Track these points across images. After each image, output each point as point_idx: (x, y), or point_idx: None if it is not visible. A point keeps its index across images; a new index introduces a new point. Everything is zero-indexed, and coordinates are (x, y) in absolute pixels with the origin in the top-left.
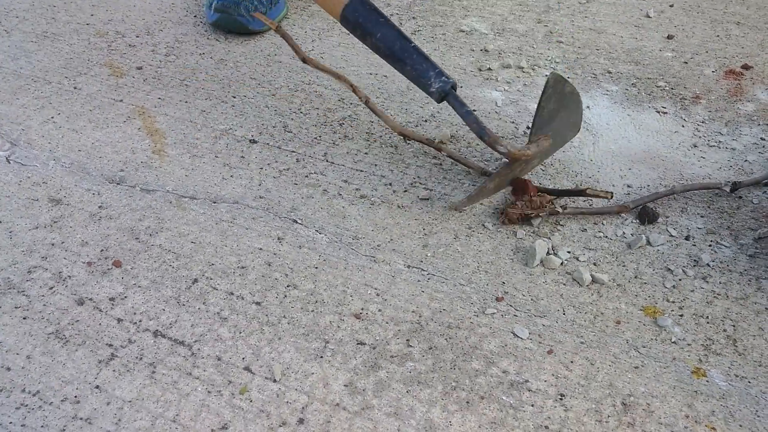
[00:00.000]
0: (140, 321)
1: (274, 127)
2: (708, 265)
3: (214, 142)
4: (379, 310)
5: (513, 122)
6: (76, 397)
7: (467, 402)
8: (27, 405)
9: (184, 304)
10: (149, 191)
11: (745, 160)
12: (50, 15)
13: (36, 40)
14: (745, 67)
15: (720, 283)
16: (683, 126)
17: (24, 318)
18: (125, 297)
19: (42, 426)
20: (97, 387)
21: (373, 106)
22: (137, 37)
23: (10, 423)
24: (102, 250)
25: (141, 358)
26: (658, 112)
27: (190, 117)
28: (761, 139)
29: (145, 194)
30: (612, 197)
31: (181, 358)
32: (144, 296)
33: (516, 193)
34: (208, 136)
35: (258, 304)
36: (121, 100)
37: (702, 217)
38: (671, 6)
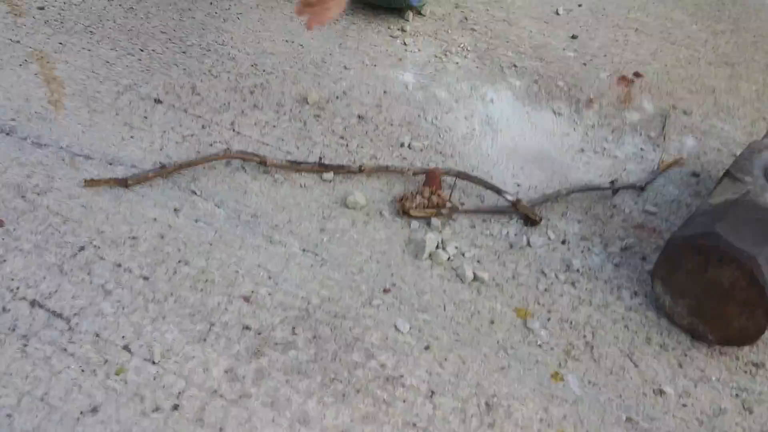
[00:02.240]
0: (17, 288)
1: (181, 87)
2: (578, 270)
3: (116, 98)
4: (269, 294)
5: (421, 108)
6: None
7: (343, 395)
8: None
9: (66, 273)
10: (41, 146)
11: (624, 169)
12: None
13: None
14: (637, 74)
15: (586, 289)
16: (574, 129)
17: None
18: (4, 261)
19: None
20: None
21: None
22: None
23: None
24: None
25: (14, 330)
26: (554, 112)
27: (92, 67)
28: (641, 149)
29: (36, 148)
30: (540, 221)
31: (57, 332)
32: (25, 261)
33: (425, 183)
34: (110, 90)
35: (146, 278)
36: (18, 42)
37: (579, 222)
38: (579, 6)
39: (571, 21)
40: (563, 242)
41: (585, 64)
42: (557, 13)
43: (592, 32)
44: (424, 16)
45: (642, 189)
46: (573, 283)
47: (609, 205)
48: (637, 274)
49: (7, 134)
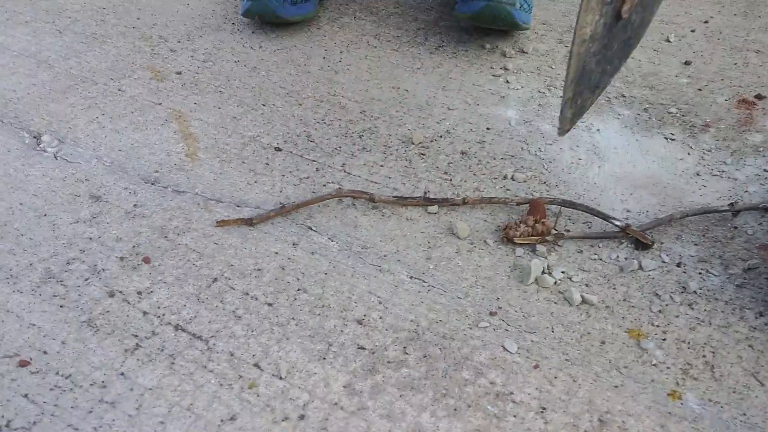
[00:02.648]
0: (163, 315)
1: (298, 136)
2: (695, 292)
3: (242, 148)
4: (380, 318)
5: (525, 142)
6: (103, 382)
7: (455, 409)
8: (60, 387)
9: (203, 301)
10: (180, 192)
11: (746, 191)
12: (99, 17)
13: (86, 41)
14: (759, 96)
15: (705, 310)
16: (689, 154)
17: (61, 306)
18: (151, 291)
19: (72, 407)
20: (122, 374)
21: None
22: (178, 42)
23: (44, 402)
24: (134, 246)
25: (162, 350)
26: (666, 138)
27: (222, 122)
28: (764, 170)
29: (176, 195)
30: (653, 245)
31: (198, 352)
32: (168, 292)
33: (529, 212)
34: (237, 142)
35: (270, 305)
36: (160, 104)
37: (695, 245)
38: (693, 31)
39: (683, 47)
40: (678, 265)
41: (700, 90)
42: (668, 41)
43: (707, 57)
44: (527, 53)
45: (767, 210)
46: (690, 305)
47: (729, 227)
48: (762, 295)
49: (152, 184)
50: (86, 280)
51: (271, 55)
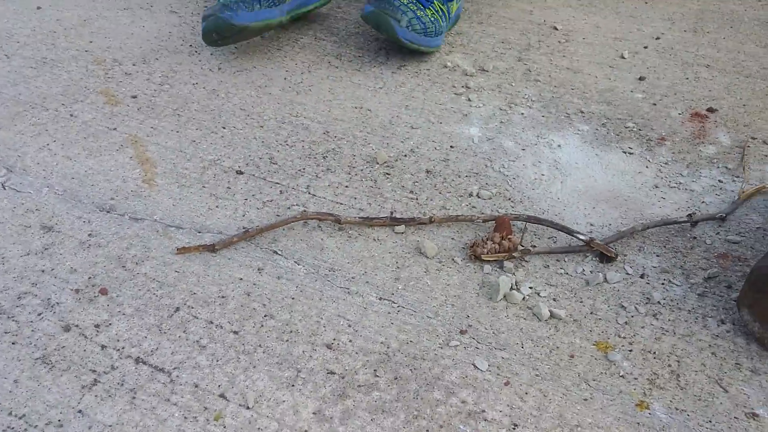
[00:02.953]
0: (123, 348)
1: (260, 158)
2: (659, 302)
3: (203, 173)
4: (350, 341)
5: (488, 159)
6: (59, 420)
7: (427, 431)
8: (13, 428)
9: (165, 332)
10: (137, 220)
11: (702, 202)
12: (50, 41)
13: (35, 66)
14: (710, 110)
15: (669, 320)
16: (647, 167)
17: (13, 343)
18: (110, 324)
19: None
20: (80, 411)
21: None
22: (133, 65)
23: None
24: (90, 278)
25: (122, 384)
26: (625, 152)
27: (180, 147)
28: (719, 181)
29: (133, 223)
30: (617, 257)
31: (160, 385)
32: (128, 323)
33: (496, 229)
34: (196, 166)
35: (236, 333)
36: (115, 129)
37: (657, 256)
38: (645, 47)
39: (637, 63)
40: (642, 276)
41: (655, 104)
42: (623, 57)
43: (660, 72)
44: (487, 71)
45: (723, 219)
46: (655, 315)
47: (689, 238)
48: (723, 303)
49: (108, 212)
50: (39, 314)
51: (231, 77)
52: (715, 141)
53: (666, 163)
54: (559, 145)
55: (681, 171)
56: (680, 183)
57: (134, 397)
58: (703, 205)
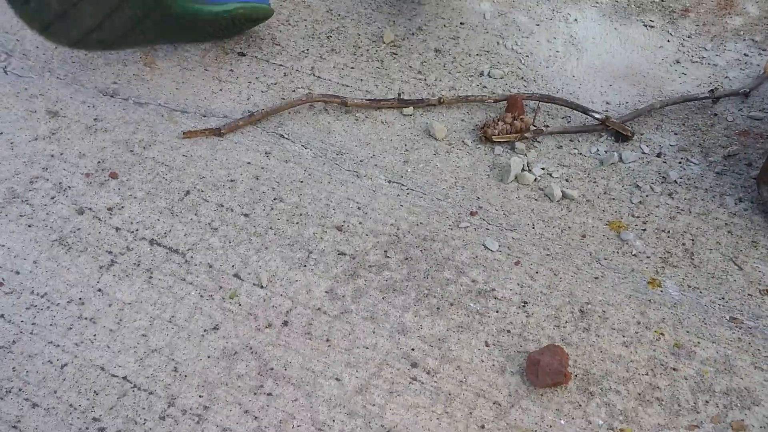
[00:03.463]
0: (137, 230)
1: (262, 39)
2: (675, 181)
3: (204, 55)
4: (360, 223)
5: (500, 36)
6: (80, 299)
7: (437, 308)
8: (36, 305)
9: (177, 215)
10: (141, 104)
11: (726, 77)
12: None
13: None
14: None
15: (685, 199)
16: (668, 41)
17: (29, 226)
18: (122, 207)
19: (50, 324)
20: (100, 290)
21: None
22: None
23: (22, 321)
24: (99, 162)
25: (138, 265)
26: (646, 25)
27: None
28: (744, 55)
29: (138, 107)
30: (633, 136)
31: (175, 265)
32: (140, 207)
33: (507, 109)
34: (197, 47)
35: (246, 215)
36: None
37: (675, 134)
38: None
39: None
40: (659, 155)
41: None
42: None
43: None
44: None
45: (746, 95)
46: (670, 194)
47: (709, 115)
48: (741, 181)
49: (111, 96)
50: (52, 198)
51: None
52: (742, 12)
53: (689, 37)
54: (575, 19)
55: (705, 44)
56: (703, 57)
57: (151, 277)
58: (726, 81)
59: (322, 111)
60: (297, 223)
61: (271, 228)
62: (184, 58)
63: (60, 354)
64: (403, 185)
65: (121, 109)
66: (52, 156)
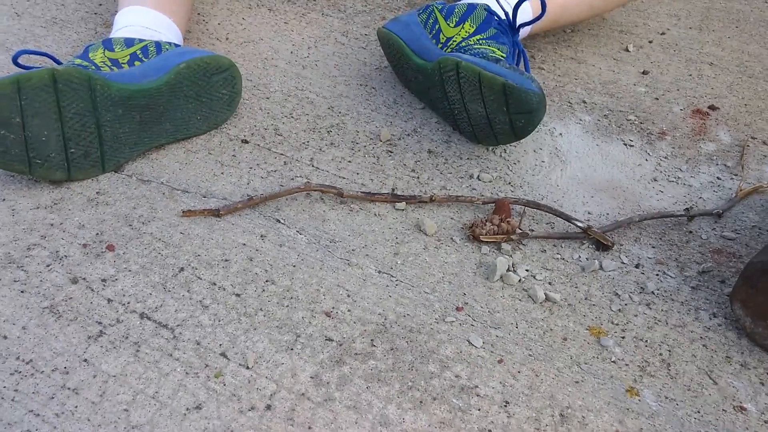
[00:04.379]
0: (128, 303)
1: (265, 129)
2: (653, 292)
3: (209, 139)
4: (349, 311)
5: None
6: (65, 368)
7: (420, 402)
8: (20, 372)
9: (169, 290)
10: (144, 181)
11: (700, 197)
12: (60, 2)
13: (45, 26)
14: (712, 107)
15: (662, 310)
16: (647, 160)
17: (21, 291)
18: (116, 279)
19: (33, 392)
20: (86, 360)
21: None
22: None
23: (4, 387)
24: (97, 234)
25: (127, 337)
26: (625, 144)
27: None
28: (717, 178)
29: (140, 184)
30: (613, 246)
31: (163, 340)
32: (133, 280)
33: (495, 211)
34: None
35: (238, 295)
36: None
37: (653, 247)
38: (650, 42)
39: (641, 57)
40: (637, 266)
41: (657, 99)
42: (627, 50)
43: (663, 68)
44: None
45: (719, 216)
46: (648, 305)
47: (685, 232)
48: (715, 297)
49: (116, 172)
50: (48, 266)
51: (238, 48)
52: (715, 138)
53: (666, 158)
54: (560, 134)
55: (680, 166)
56: (679, 177)
57: (138, 350)
58: (700, 201)
59: (319, 200)
60: (287, 306)
61: (261, 309)
62: (190, 141)
63: (40, 424)
64: (393, 276)
65: (125, 185)
66: (52, 225)
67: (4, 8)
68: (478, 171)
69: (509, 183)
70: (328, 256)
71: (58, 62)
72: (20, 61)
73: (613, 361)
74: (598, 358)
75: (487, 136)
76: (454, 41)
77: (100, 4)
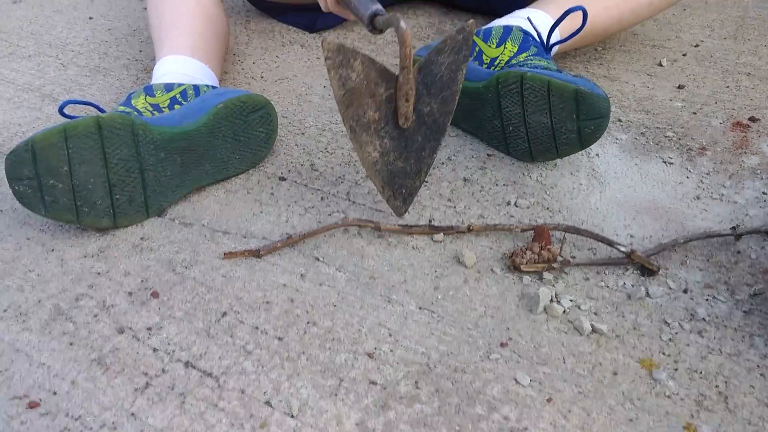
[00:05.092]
0: (173, 351)
1: (302, 165)
2: (704, 319)
3: (247, 179)
4: (391, 350)
5: (525, 167)
6: (113, 423)
7: None
8: (69, 429)
9: (213, 337)
10: (186, 225)
11: (746, 214)
12: (102, 50)
13: (89, 74)
14: (752, 119)
15: (715, 338)
16: (688, 177)
17: (71, 344)
18: (161, 327)
19: None
20: (133, 414)
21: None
22: None
23: None
24: (142, 281)
25: (173, 388)
26: (665, 162)
27: None
28: (763, 193)
29: (183, 227)
30: (659, 270)
31: (208, 390)
32: (178, 327)
33: (534, 239)
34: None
35: (280, 339)
36: None
37: (701, 270)
38: (684, 55)
39: (676, 71)
40: (685, 291)
41: (695, 113)
42: (661, 65)
43: (699, 81)
44: None
45: None
46: (700, 332)
47: (733, 252)
48: None
49: (158, 217)
50: (95, 316)
51: (273, 85)
52: (758, 151)
53: (707, 174)
54: (597, 154)
55: (723, 182)
56: (722, 194)
57: (183, 402)
58: (747, 218)
59: (356, 235)
60: (329, 348)
61: (303, 353)
62: (229, 181)
63: None
64: (434, 312)
65: (167, 229)
66: (99, 274)
67: (50, 60)
68: (515, 197)
69: (547, 208)
70: (368, 293)
71: (102, 110)
72: (66, 110)
73: (668, 396)
74: (651, 393)
75: (547, 149)
76: (501, 60)
77: (140, 51)
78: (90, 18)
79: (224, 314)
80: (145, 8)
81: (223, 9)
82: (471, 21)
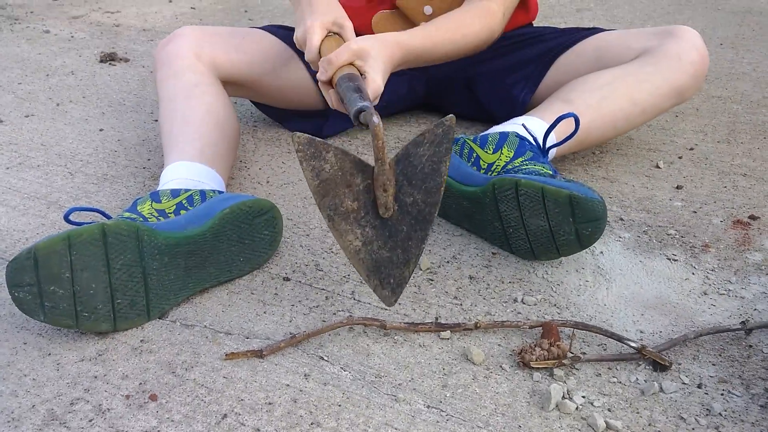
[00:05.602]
0: None
1: (306, 265)
2: (720, 414)
3: (251, 279)
4: None
5: (531, 265)
6: None
7: None
8: None
9: None
10: (188, 326)
11: (755, 309)
12: (111, 159)
13: (96, 182)
14: (752, 217)
15: None
16: (693, 273)
17: None
18: (158, 431)
19: None
20: None
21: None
22: None
23: None
24: (140, 383)
25: None
26: (669, 259)
27: None
28: None
29: (184, 329)
30: (671, 365)
31: None
32: (176, 431)
33: (543, 335)
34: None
35: None
36: None
37: (713, 365)
38: (680, 158)
39: (673, 173)
40: (699, 386)
41: (695, 212)
42: (658, 167)
43: (697, 181)
44: None
45: None
46: (717, 428)
47: (744, 346)
48: None
49: (159, 318)
50: (90, 420)
51: (278, 189)
52: (761, 248)
53: (713, 270)
54: (601, 252)
55: (729, 278)
56: (729, 290)
57: None
58: (755, 313)
59: (362, 333)
60: None
61: None
62: (232, 283)
63: None
64: (443, 411)
65: (168, 331)
66: (95, 377)
67: (58, 169)
68: (522, 294)
69: (555, 305)
70: (374, 392)
71: (108, 217)
72: (72, 217)
73: None
74: None
75: (548, 249)
76: (497, 165)
77: (149, 159)
78: (101, 130)
79: (224, 416)
80: (156, 120)
81: (233, 109)
82: (451, 115)
